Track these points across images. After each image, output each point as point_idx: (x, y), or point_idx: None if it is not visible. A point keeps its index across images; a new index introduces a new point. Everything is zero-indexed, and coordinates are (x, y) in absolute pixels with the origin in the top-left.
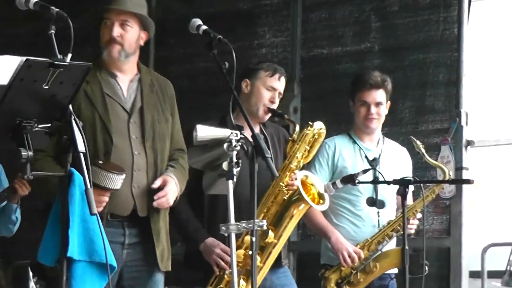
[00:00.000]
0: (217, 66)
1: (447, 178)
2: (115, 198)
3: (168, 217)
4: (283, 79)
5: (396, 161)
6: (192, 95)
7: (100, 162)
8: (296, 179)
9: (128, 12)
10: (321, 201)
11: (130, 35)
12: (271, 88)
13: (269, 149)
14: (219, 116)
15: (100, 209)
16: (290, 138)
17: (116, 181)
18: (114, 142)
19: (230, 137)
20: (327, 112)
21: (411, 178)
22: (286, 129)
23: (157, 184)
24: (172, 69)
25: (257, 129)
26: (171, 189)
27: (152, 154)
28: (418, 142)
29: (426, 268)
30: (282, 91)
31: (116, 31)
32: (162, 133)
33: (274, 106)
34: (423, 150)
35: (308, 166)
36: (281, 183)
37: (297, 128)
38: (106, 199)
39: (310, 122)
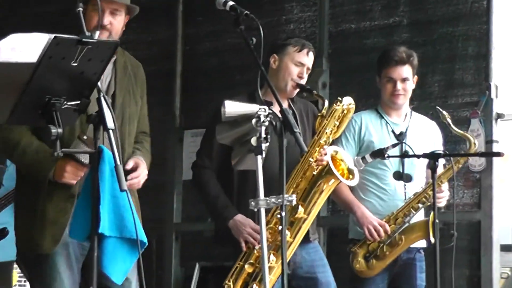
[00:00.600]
0: (244, 42)
1: (472, 147)
2: (82, 177)
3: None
4: (311, 54)
5: (425, 135)
6: (220, 72)
7: (85, 137)
8: (325, 154)
9: (120, 3)
10: (351, 176)
11: (118, 22)
12: (299, 64)
13: (297, 124)
14: (248, 92)
15: (74, 182)
16: (319, 114)
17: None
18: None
19: (259, 112)
20: (356, 87)
21: (440, 152)
22: (315, 104)
23: (130, 165)
24: (200, 47)
25: (285, 105)
26: (143, 172)
27: (119, 136)
28: (444, 112)
29: (454, 239)
30: (310, 67)
31: (107, 19)
32: (131, 116)
33: (303, 82)
34: (449, 120)
35: (335, 141)
36: (310, 159)
37: (326, 103)
38: (82, 174)
39: (339, 98)
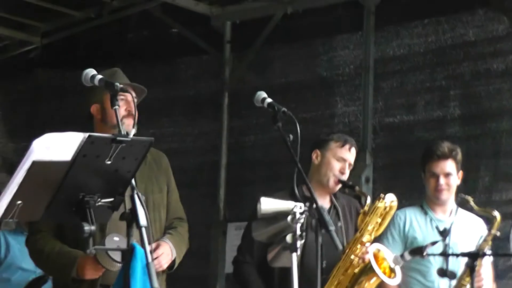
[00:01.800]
0: (282, 139)
1: (496, 222)
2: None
3: None
4: (353, 150)
5: (470, 231)
6: (265, 165)
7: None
8: (367, 252)
9: (140, 88)
10: (393, 274)
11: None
12: (341, 159)
13: (339, 220)
14: (291, 187)
15: (97, 276)
16: (361, 210)
17: (115, 266)
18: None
19: (294, 209)
20: (400, 182)
21: (478, 251)
22: (358, 200)
23: (152, 247)
24: (246, 139)
25: (327, 200)
26: (164, 252)
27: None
28: (467, 196)
29: None
30: (352, 162)
31: (133, 106)
32: (156, 203)
33: (345, 177)
34: (471, 201)
35: (380, 238)
36: (352, 256)
37: (369, 199)
38: (100, 273)
39: (381, 194)
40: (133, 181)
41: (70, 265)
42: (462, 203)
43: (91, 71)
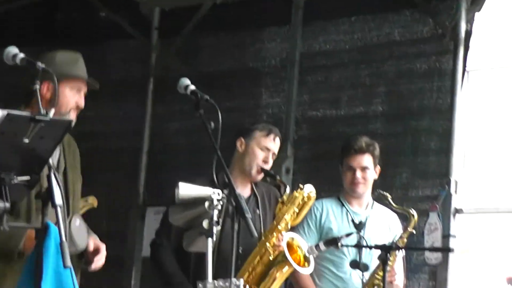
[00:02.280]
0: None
1: (412, 221)
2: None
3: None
4: (278, 140)
5: (384, 225)
6: (188, 151)
7: None
8: (282, 240)
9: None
10: (306, 264)
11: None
12: (265, 149)
13: (258, 208)
14: (210, 173)
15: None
16: (279, 200)
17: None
18: None
19: (212, 196)
20: (320, 174)
21: (392, 244)
22: (278, 189)
23: (91, 247)
24: (169, 125)
25: (248, 188)
26: (104, 253)
27: (71, 211)
28: (385, 193)
29: None
30: (276, 152)
31: (82, 101)
32: (77, 192)
33: (267, 167)
34: (390, 199)
35: (297, 228)
36: (267, 243)
37: (288, 189)
38: None
39: (300, 185)
40: (50, 160)
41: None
42: (379, 199)
43: (13, 49)
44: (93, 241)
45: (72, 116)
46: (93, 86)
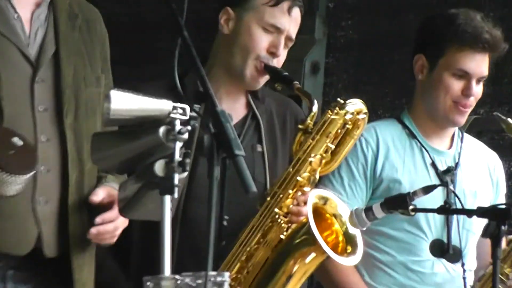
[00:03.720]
0: None
1: None
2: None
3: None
4: (296, 12)
5: (481, 173)
6: (134, 33)
7: None
8: (305, 203)
9: None
10: (349, 247)
11: None
12: (272, 27)
13: (260, 141)
14: (171, 75)
15: None
16: (300, 126)
17: (10, 184)
18: (5, 116)
19: (172, 114)
20: (374, 75)
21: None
22: (299, 103)
23: (99, 196)
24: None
25: (242, 104)
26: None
27: (74, 140)
28: (509, 119)
29: None
30: (293, 35)
31: None
32: (91, 102)
33: (276, 62)
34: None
35: (330, 180)
36: (276, 209)
37: (315, 107)
38: None
39: (339, 99)
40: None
41: None
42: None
43: None
44: (105, 189)
45: None
46: None
